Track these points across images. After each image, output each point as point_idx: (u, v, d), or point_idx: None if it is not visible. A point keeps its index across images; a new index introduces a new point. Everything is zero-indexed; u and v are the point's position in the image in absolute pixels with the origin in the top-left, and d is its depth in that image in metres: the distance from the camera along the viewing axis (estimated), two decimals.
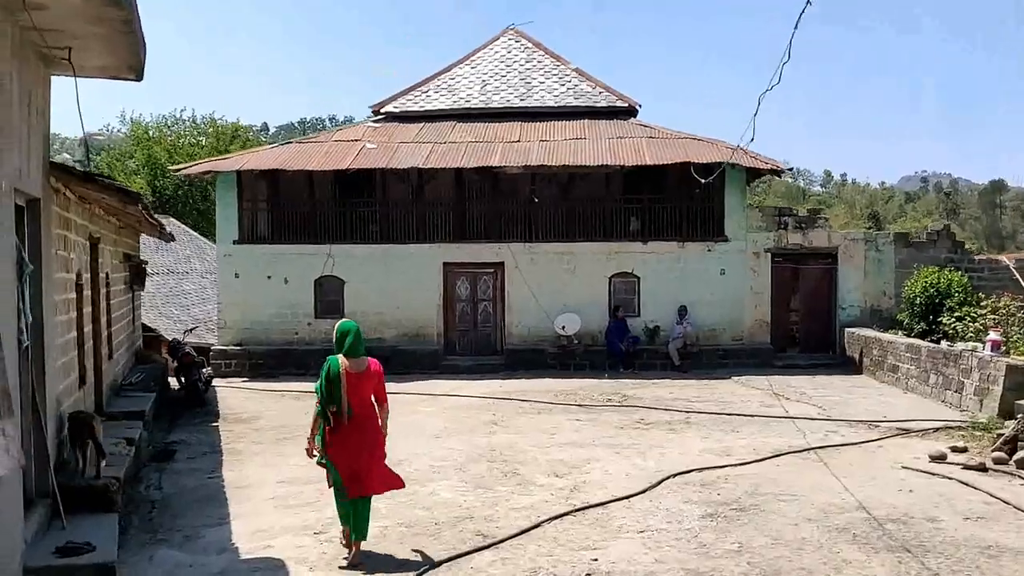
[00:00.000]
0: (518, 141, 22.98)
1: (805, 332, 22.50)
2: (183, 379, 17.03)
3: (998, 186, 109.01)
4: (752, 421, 14.73)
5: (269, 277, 22.30)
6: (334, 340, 8.12)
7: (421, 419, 15.28)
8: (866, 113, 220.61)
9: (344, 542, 8.14)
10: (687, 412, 15.70)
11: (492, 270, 22.47)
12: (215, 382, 20.53)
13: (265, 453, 12.62)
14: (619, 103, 24.90)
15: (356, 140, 23.42)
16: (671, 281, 22.07)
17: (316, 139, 23.70)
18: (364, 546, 8.07)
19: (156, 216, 18.78)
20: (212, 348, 22.35)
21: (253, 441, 13.52)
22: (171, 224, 38.98)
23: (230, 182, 22.45)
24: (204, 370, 21.27)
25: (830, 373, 20.44)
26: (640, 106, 24.93)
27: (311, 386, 18.64)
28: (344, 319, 8.79)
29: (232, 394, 18.73)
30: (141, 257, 20.34)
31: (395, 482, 8.37)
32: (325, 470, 8.09)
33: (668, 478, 10.71)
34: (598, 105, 24.83)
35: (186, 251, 37.24)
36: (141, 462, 11.33)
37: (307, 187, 22.76)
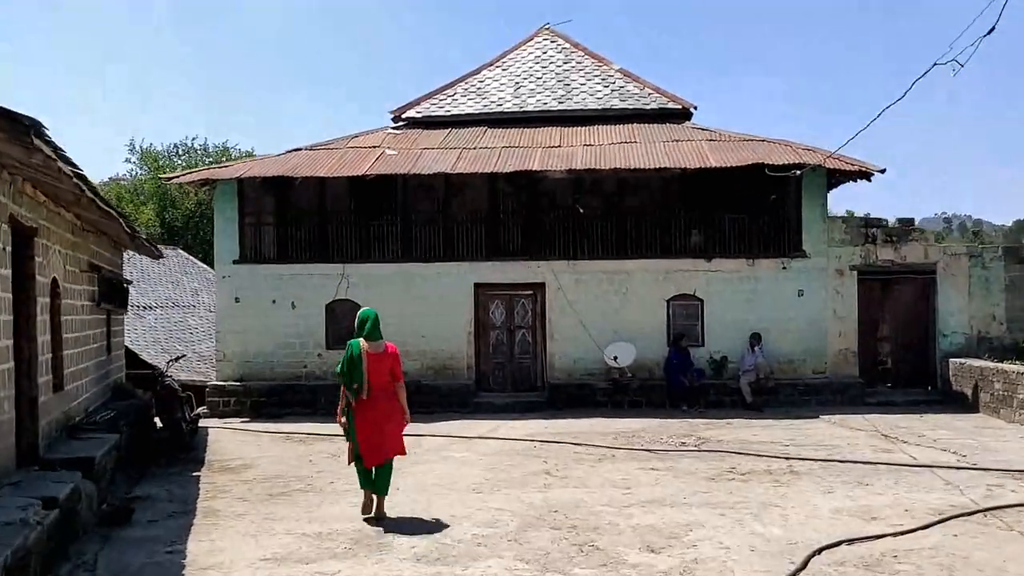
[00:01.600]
0: (559, 146, 20.06)
1: (898, 363, 19.23)
2: (165, 418, 13.99)
3: (1023, 225, 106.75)
4: (876, 471, 11.50)
5: (274, 301, 19.36)
6: (355, 325, 9.26)
7: (454, 468, 12.17)
8: (882, 152, 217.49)
9: (365, 507, 9.26)
10: (786, 459, 12.51)
11: (531, 292, 19.42)
12: (208, 422, 17.52)
13: (250, 515, 9.49)
14: (671, 105, 21.96)
15: (374, 147, 20.57)
16: (740, 304, 18.94)
17: (329, 146, 20.87)
18: None
19: (124, 216, 15.91)
20: (208, 384, 19.37)
21: (237, 497, 10.41)
22: (179, 255, 36.54)
23: (230, 193, 19.61)
24: (199, 408, 18.35)
25: (935, 411, 17.15)
26: (696, 108, 22.00)
27: (320, 427, 15.59)
28: (365, 307, 9.67)
29: (226, 436, 15.67)
30: (126, 278, 17.47)
31: (400, 450, 9.49)
32: (348, 442, 9.40)
33: (815, 554, 7.52)
34: (648, 107, 21.91)
35: (194, 283, 34.60)
36: (78, 528, 8.26)
37: (318, 199, 19.89)
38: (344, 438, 9.55)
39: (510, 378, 19.50)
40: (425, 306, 19.20)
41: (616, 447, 13.79)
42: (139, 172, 46.01)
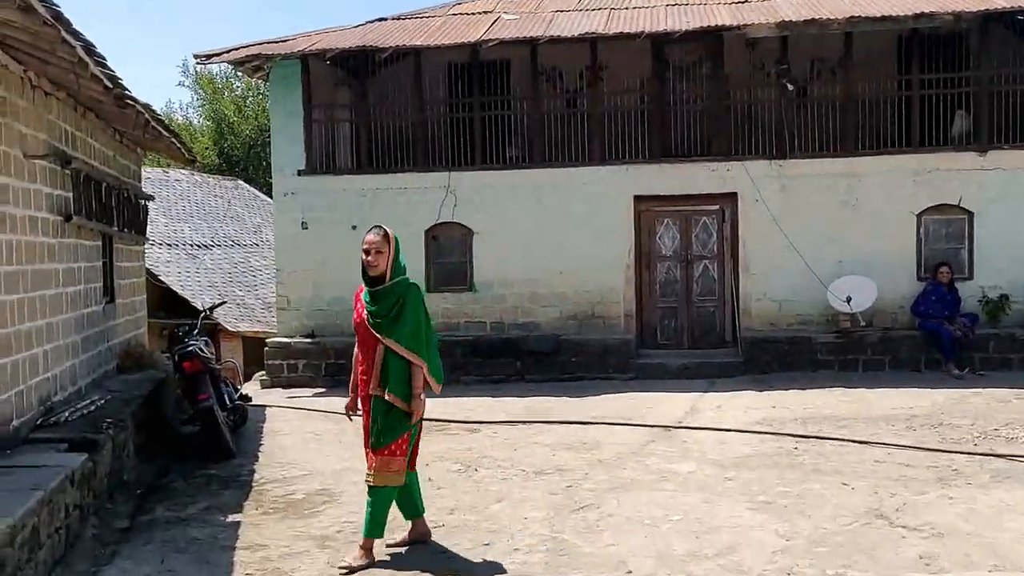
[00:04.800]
0: (746, 1, 14.14)
1: None
2: (193, 404, 8.68)
3: None
4: None
5: (354, 227, 13.83)
6: (399, 257, 5.54)
7: (694, 503, 6.68)
8: None
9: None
10: None
11: (716, 207, 13.65)
12: (267, 395, 12.36)
13: None
14: None
15: (485, 12, 14.91)
16: None
17: (423, 14, 15.27)
18: None
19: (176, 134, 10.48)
20: (267, 342, 14.12)
21: None
22: (239, 188, 31.80)
23: (292, 78, 14.10)
24: (254, 379, 13.37)
25: None
26: None
27: (429, 406, 10.34)
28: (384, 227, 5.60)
29: (290, 425, 10.36)
30: (147, 192, 12.14)
31: None
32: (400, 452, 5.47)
33: None
34: None
35: (256, 219, 29.71)
36: None
37: (411, 84, 14.27)
38: (401, 429, 5.49)
39: (686, 330, 13.84)
40: (563, 229, 13.62)
41: (939, 449, 8.13)
42: (194, 96, 41.09)
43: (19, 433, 6.35)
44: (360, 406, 5.66)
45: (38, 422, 6.74)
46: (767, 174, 13.27)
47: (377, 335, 5.44)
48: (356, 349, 5.71)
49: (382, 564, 5.51)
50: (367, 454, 5.54)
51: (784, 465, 7.78)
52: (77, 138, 8.34)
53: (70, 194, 7.95)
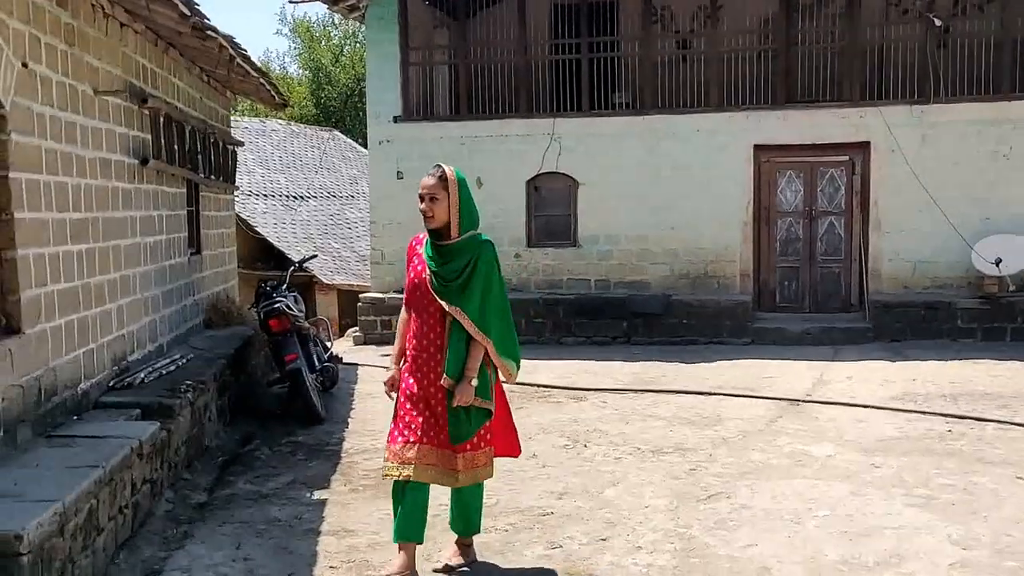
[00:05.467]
0: None
1: None
2: (279, 365, 8.08)
3: None
4: None
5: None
6: (467, 205, 4.42)
7: (842, 495, 5.79)
8: None
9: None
10: None
11: (845, 157, 12.44)
12: (359, 353, 11.81)
13: None
14: None
15: None
16: None
17: None
18: None
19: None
20: (360, 298, 13.56)
21: None
22: (336, 139, 31.50)
23: (388, 19, 13.33)
24: (347, 334, 12.84)
25: None
26: None
27: (545, 365, 9.71)
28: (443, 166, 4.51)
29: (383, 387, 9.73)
30: (236, 138, 11.58)
31: None
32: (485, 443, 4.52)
33: None
34: None
35: (352, 171, 29.35)
36: None
37: (515, 26, 13.35)
38: (484, 415, 4.51)
39: (808, 292, 12.74)
40: (675, 181, 12.63)
41: None
42: (291, 45, 40.88)
43: (88, 396, 5.81)
44: (403, 381, 4.57)
45: (111, 384, 6.19)
46: (905, 121, 11.99)
47: (442, 303, 4.41)
48: (404, 314, 4.63)
49: (484, 562, 4.78)
50: (393, 445, 4.55)
51: (939, 451, 6.77)
52: (157, 75, 7.73)
53: (148, 135, 7.35)
